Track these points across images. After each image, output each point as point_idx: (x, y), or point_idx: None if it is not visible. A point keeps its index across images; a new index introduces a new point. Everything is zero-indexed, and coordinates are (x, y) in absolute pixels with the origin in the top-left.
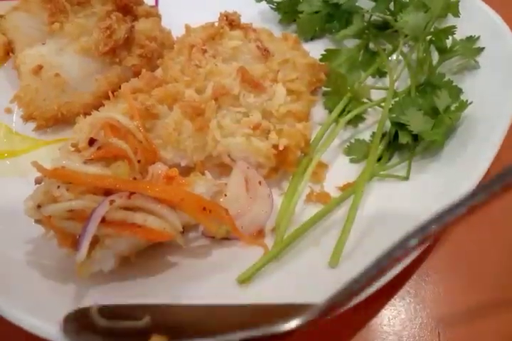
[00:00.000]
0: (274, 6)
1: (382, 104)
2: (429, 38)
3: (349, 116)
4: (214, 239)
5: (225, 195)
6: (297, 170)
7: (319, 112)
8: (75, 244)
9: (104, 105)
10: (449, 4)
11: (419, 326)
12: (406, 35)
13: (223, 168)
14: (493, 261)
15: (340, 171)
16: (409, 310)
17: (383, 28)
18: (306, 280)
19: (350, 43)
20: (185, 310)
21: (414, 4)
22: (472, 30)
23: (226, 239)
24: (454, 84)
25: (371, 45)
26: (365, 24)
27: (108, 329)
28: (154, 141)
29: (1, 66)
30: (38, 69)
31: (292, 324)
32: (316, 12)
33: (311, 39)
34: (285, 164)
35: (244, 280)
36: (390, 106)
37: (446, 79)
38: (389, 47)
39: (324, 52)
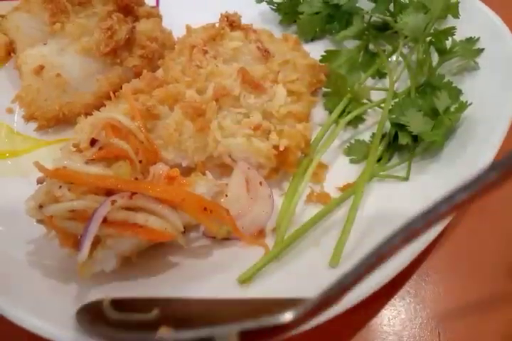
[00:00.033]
0: (274, 7)
1: (382, 105)
2: (428, 39)
3: (349, 116)
4: (215, 239)
5: (226, 196)
6: (297, 170)
7: (319, 113)
8: (76, 244)
9: (105, 105)
10: (448, 5)
11: (419, 326)
12: (406, 36)
13: (224, 169)
14: (492, 261)
15: (341, 172)
16: (410, 310)
17: (383, 29)
18: (307, 280)
19: (350, 44)
20: (191, 303)
21: (414, 5)
22: (472, 31)
23: (227, 239)
24: (453, 85)
25: (371, 46)
26: (365, 25)
27: (119, 321)
28: (155, 142)
29: (2, 66)
30: (40, 70)
31: (287, 317)
32: (317, 13)
33: (312, 40)
34: (285, 164)
35: (245, 280)
36: (390, 107)
37: (445, 80)
38: (389, 48)
39: (324, 53)
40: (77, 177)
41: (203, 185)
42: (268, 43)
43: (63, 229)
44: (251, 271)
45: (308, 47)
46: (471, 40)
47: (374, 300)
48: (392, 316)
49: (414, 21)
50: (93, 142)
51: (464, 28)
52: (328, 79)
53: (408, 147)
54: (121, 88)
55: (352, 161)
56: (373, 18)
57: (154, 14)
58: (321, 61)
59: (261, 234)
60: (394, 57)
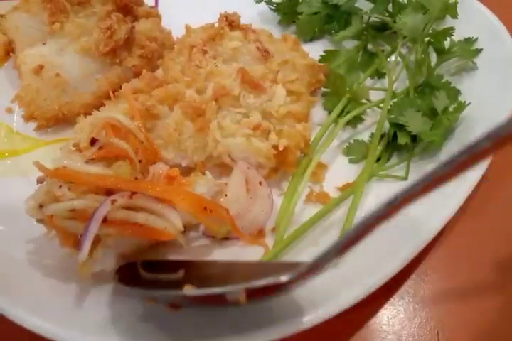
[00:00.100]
0: (273, 7)
1: (381, 105)
2: (427, 39)
3: (348, 116)
4: (214, 238)
5: (226, 195)
6: (297, 170)
7: (318, 113)
8: (76, 243)
9: (104, 105)
10: (447, 6)
11: (418, 325)
12: (404, 37)
13: (224, 168)
14: (491, 261)
15: (340, 171)
16: (409, 310)
17: (382, 30)
18: None
19: (349, 44)
20: (210, 265)
21: (413, 6)
22: (470, 31)
23: (226, 238)
24: (452, 85)
25: (370, 46)
26: (364, 25)
27: (150, 281)
28: (155, 141)
29: (1, 66)
30: (39, 69)
31: (284, 278)
32: (316, 13)
33: (311, 40)
34: (285, 164)
35: None
36: (389, 107)
37: (444, 80)
38: (387, 48)
39: (323, 53)
40: (77, 177)
41: (202, 185)
42: (267, 43)
43: (63, 228)
44: None
45: (307, 48)
46: (469, 41)
47: (373, 299)
48: (391, 315)
49: (412, 21)
50: (93, 142)
51: (462, 28)
52: (327, 79)
53: (407, 147)
54: (120, 88)
55: (351, 161)
56: (372, 19)
57: (153, 14)
58: (320, 61)
59: (260, 233)
60: (393, 58)
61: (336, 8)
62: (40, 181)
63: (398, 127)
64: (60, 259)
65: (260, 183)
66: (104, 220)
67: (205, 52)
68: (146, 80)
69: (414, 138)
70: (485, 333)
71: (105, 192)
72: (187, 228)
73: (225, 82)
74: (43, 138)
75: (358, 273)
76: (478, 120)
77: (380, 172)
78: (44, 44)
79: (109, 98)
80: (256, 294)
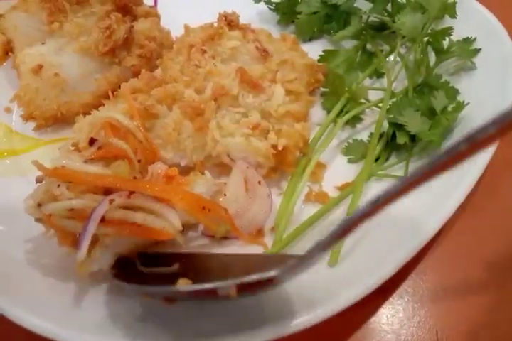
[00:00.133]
0: (272, 7)
1: (380, 105)
2: (426, 39)
3: (347, 116)
4: (214, 238)
5: (225, 195)
6: (296, 170)
7: (317, 113)
8: (75, 242)
9: (103, 105)
10: (445, 5)
11: (417, 324)
12: (403, 36)
13: (223, 168)
14: (490, 260)
15: (339, 171)
16: (408, 309)
17: (381, 29)
18: (306, 278)
19: (348, 44)
20: (207, 257)
21: (412, 5)
22: (469, 31)
23: (226, 238)
24: (450, 85)
25: (369, 46)
26: (363, 25)
27: (146, 273)
28: (154, 141)
29: (0, 65)
30: (38, 69)
31: (272, 273)
32: (315, 13)
33: (310, 40)
34: (284, 164)
35: None
36: (388, 106)
37: (443, 80)
38: (386, 48)
39: (322, 53)
40: (76, 176)
41: (201, 184)
42: (266, 43)
43: (62, 227)
44: None
45: (306, 47)
46: (468, 40)
47: (372, 298)
48: (390, 315)
49: (411, 21)
50: (92, 141)
51: (460, 28)
52: (326, 78)
53: (406, 146)
54: (119, 87)
55: (350, 161)
56: (371, 18)
57: (152, 14)
58: (319, 61)
59: (260, 233)
60: (391, 57)
61: (335, 8)
62: (39, 180)
63: (397, 127)
64: (59, 259)
65: (259, 183)
66: (102, 220)
67: (204, 51)
68: (145, 80)
69: (413, 138)
70: (484, 332)
71: (104, 192)
72: (186, 227)
73: (224, 82)
74: (42, 137)
75: (358, 273)
76: (476, 120)
77: (379, 172)
78: (43, 44)
79: (108, 98)
80: (247, 288)
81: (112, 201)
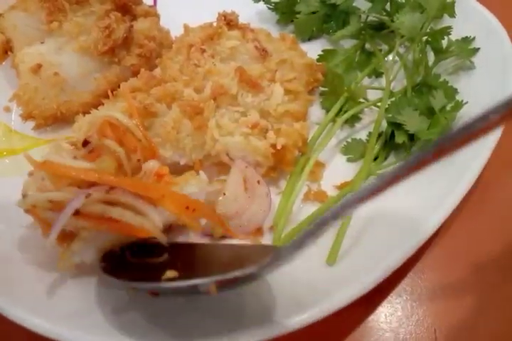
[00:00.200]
0: (271, 7)
1: (379, 104)
2: (425, 38)
3: (346, 115)
4: (213, 237)
5: (224, 194)
6: (295, 169)
7: (316, 112)
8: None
9: (103, 104)
10: (444, 5)
11: (416, 323)
12: (402, 36)
13: (222, 167)
14: (488, 259)
15: (338, 170)
16: (406, 308)
17: (380, 29)
18: (304, 277)
19: (347, 44)
20: (195, 248)
21: (411, 5)
22: (468, 30)
23: (225, 237)
24: (449, 84)
25: (368, 46)
26: (362, 25)
27: (135, 264)
28: (153, 140)
29: None
30: (37, 68)
31: (252, 269)
32: (314, 12)
33: (309, 39)
34: (283, 163)
35: None
36: (387, 106)
37: (441, 79)
38: (385, 47)
39: (321, 53)
40: (60, 170)
41: (193, 185)
42: (265, 42)
43: (44, 219)
44: None
45: (305, 47)
46: (466, 40)
47: (371, 297)
48: (388, 313)
49: (410, 21)
50: (85, 143)
51: (459, 27)
52: (325, 78)
53: (404, 146)
54: (119, 87)
55: (349, 160)
56: (370, 18)
57: (152, 13)
58: (318, 60)
59: (259, 232)
60: (390, 57)
61: (334, 8)
62: (30, 174)
63: (396, 126)
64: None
65: (258, 182)
66: (78, 213)
67: (203, 51)
68: (144, 79)
69: (411, 137)
70: (482, 331)
71: (88, 186)
72: (173, 227)
73: (223, 81)
74: (42, 137)
75: (356, 272)
76: None
77: (378, 171)
78: (42, 43)
79: (107, 97)
80: (225, 284)
81: (89, 195)
